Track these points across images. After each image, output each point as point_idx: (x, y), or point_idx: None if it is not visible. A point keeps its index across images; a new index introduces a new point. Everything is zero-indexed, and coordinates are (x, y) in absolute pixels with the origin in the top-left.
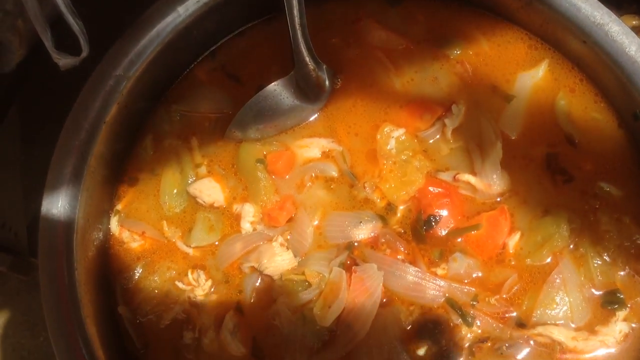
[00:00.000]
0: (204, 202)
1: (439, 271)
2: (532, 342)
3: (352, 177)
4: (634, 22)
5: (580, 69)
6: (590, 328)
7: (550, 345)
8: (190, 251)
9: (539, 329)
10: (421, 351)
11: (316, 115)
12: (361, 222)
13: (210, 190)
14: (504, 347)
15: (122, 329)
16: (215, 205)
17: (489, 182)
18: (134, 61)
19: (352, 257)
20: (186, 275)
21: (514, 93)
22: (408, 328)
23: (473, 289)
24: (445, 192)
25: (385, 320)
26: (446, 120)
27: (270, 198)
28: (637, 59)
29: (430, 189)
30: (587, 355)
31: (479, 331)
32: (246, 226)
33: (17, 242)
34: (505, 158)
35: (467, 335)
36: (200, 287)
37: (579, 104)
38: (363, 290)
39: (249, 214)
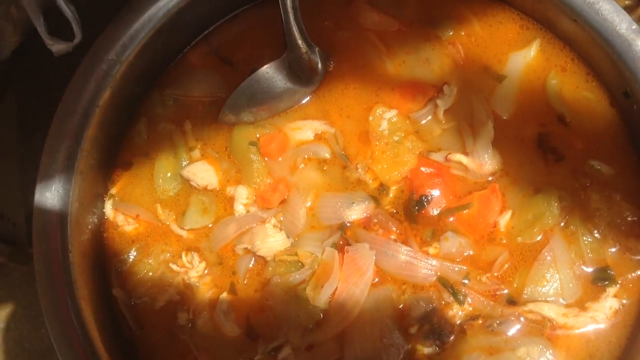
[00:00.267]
0: (197, 185)
1: (431, 250)
2: (522, 319)
3: (345, 159)
4: (626, 2)
5: (572, 48)
6: (580, 304)
7: (540, 321)
8: (184, 234)
9: (530, 306)
10: (413, 329)
11: (309, 97)
12: (354, 203)
13: (203, 173)
14: (495, 324)
15: (117, 311)
16: (209, 188)
17: (481, 162)
18: (127, 45)
19: (345, 238)
20: (180, 257)
21: (506, 73)
22: (400, 307)
23: (465, 267)
24: (437, 172)
25: (378, 300)
26: (438, 101)
27: (263, 180)
28: (627, 37)
29: (422, 169)
30: (577, 331)
31: (470, 309)
32: (239, 208)
33: (16, 232)
34: (496, 138)
35: (458, 313)
36: (194, 269)
37: (571, 83)
38: (355, 270)
39: (242, 196)
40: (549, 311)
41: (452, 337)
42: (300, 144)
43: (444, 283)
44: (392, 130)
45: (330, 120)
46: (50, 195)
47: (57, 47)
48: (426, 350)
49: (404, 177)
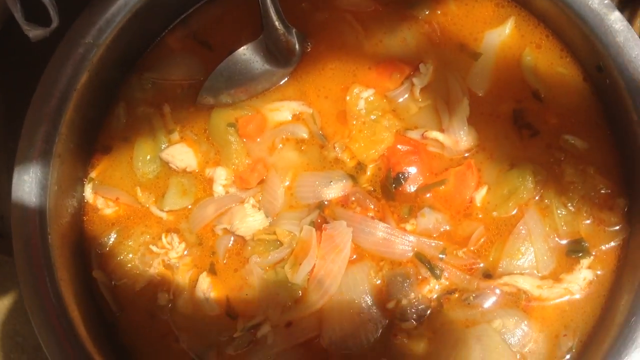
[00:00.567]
0: (176, 167)
1: (408, 227)
2: (498, 292)
3: (322, 138)
4: None
5: (546, 25)
6: (555, 276)
7: (516, 294)
8: (164, 215)
9: (505, 279)
10: (391, 305)
11: (287, 79)
12: (331, 181)
13: (182, 155)
14: (471, 298)
15: (97, 293)
16: (188, 170)
17: (457, 139)
18: (103, 29)
19: (323, 216)
20: (160, 239)
21: (481, 51)
22: (378, 283)
23: (441, 242)
24: (414, 150)
25: (356, 276)
26: (414, 80)
27: (241, 161)
28: (599, 12)
29: (399, 147)
30: (552, 302)
31: (447, 283)
32: (219, 189)
33: (4, 224)
34: (472, 114)
35: (435, 287)
36: (174, 250)
37: (545, 60)
38: (333, 247)
39: (221, 177)
40: (524, 283)
41: (429, 312)
42: (278, 124)
43: (421, 258)
44: (369, 109)
45: (308, 100)
46: (28, 178)
47: (34, 32)
48: (404, 325)
49: (381, 155)
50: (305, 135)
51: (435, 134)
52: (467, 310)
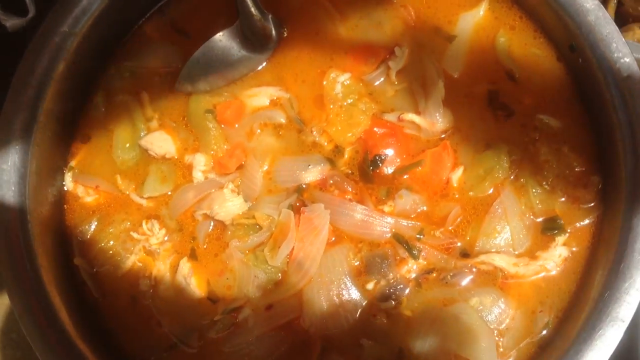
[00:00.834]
0: (155, 154)
1: (386, 208)
2: (475, 270)
3: (300, 123)
4: None
5: (520, 6)
6: (531, 254)
7: (492, 272)
8: (144, 202)
9: (482, 258)
10: (370, 285)
11: (264, 64)
12: (310, 165)
13: (161, 142)
14: (449, 277)
15: (79, 279)
16: (167, 156)
17: (433, 121)
18: (79, 17)
19: (302, 200)
20: (141, 225)
21: (456, 33)
22: (357, 264)
23: (419, 223)
24: (391, 132)
25: (335, 258)
26: (390, 63)
27: (220, 147)
28: None
29: (376, 129)
30: (528, 280)
31: (425, 263)
32: (198, 175)
33: None
34: (448, 96)
35: (413, 267)
36: (154, 236)
37: (519, 41)
38: (311, 229)
39: (200, 163)
40: (501, 261)
41: (407, 291)
42: (256, 110)
43: (399, 239)
44: (346, 93)
45: (285, 86)
46: (7, 167)
47: (11, 22)
48: (383, 305)
49: (358, 138)
50: (283, 120)
51: (411, 116)
52: (445, 289)
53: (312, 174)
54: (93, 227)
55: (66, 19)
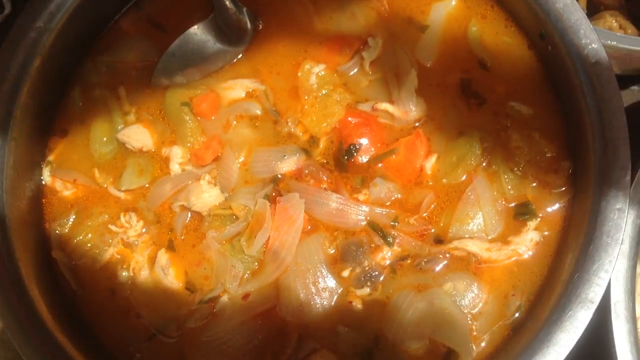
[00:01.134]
0: (133, 147)
1: (361, 197)
2: (448, 256)
3: (276, 114)
4: None
5: None
6: (503, 239)
7: (466, 257)
8: (121, 195)
9: (455, 243)
10: (345, 273)
11: (239, 57)
12: (285, 155)
13: (138, 135)
14: (423, 263)
15: (57, 271)
16: (144, 149)
17: (406, 110)
18: (54, 13)
19: (277, 190)
20: (119, 218)
21: (429, 23)
22: (332, 252)
23: (393, 211)
24: (365, 122)
25: (311, 247)
26: (364, 54)
27: (197, 139)
28: None
29: (350, 119)
30: (500, 264)
31: (399, 250)
32: (175, 167)
33: None
34: (421, 85)
35: (388, 254)
36: (132, 229)
37: (491, 30)
38: (286, 218)
39: (177, 155)
40: (473, 247)
41: (382, 278)
42: (232, 102)
43: (374, 227)
44: (321, 84)
45: (261, 78)
46: None
47: None
48: (359, 292)
49: (333, 128)
50: (258, 112)
51: (385, 106)
52: (420, 275)
53: (288, 164)
54: (71, 220)
55: (41, 15)
